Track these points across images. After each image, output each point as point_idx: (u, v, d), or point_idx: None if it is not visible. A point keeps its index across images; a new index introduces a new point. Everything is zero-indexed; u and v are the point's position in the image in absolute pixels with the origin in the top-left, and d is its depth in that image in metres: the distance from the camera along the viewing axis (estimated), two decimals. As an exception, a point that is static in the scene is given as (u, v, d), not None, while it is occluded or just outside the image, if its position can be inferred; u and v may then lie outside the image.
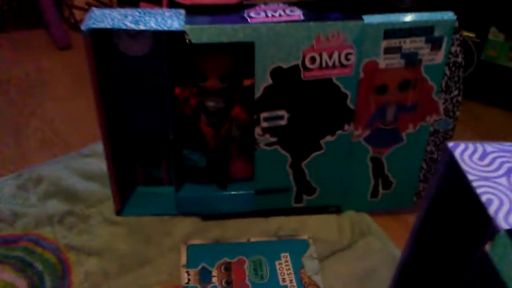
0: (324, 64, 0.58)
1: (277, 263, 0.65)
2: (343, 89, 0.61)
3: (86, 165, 0.77)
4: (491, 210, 0.34)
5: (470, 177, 0.37)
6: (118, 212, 0.70)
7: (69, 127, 0.88)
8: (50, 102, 0.94)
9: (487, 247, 0.33)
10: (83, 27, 0.55)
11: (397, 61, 0.60)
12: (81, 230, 0.67)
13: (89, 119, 0.85)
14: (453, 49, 0.60)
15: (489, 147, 0.40)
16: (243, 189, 0.70)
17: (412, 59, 0.60)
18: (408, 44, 0.59)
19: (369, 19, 0.57)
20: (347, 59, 0.58)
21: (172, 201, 0.70)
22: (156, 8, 0.61)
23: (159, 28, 0.56)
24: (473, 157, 0.39)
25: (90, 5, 1.12)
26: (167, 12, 0.59)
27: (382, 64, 0.60)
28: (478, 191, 0.35)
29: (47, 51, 1.12)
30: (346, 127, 0.63)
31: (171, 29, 0.55)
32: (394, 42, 0.58)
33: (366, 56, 0.59)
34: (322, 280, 0.63)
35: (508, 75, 0.97)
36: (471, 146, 0.40)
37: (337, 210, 0.72)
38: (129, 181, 0.73)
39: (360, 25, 0.57)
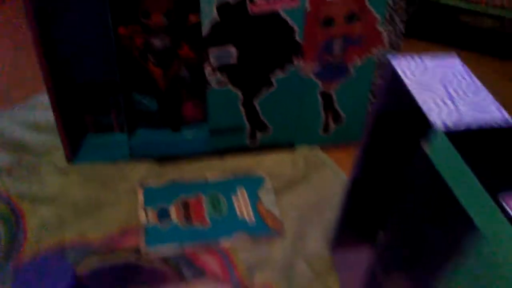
0: (271, -4, 0.58)
1: (234, 198, 0.66)
2: (290, 23, 0.61)
3: (32, 116, 0.74)
4: (430, 115, 0.36)
5: (411, 88, 0.39)
6: (70, 159, 0.68)
7: (10, 78, 0.84)
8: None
9: (426, 148, 0.35)
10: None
11: (342, -8, 0.60)
12: (32, 181, 0.66)
13: (31, 71, 0.81)
14: (395, -22, 0.61)
15: (427, 59, 0.42)
16: (196, 129, 0.70)
17: (356, -10, 0.61)
18: (352, -26, 0.59)
19: None
20: (293, -10, 0.58)
21: (125, 146, 0.69)
22: None
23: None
24: (411, 67, 0.41)
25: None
26: None
27: (328, -5, 0.60)
28: (418, 99, 0.37)
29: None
30: (295, 61, 0.64)
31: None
32: (338, -28, 0.59)
33: (312, -13, 0.59)
34: (278, 211, 0.65)
35: (450, 13, 1.01)
36: (409, 58, 0.42)
37: (291, 146, 0.74)
38: (79, 130, 0.72)
39: (304, -46, 0.56)
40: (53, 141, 0.70)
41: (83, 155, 0.70)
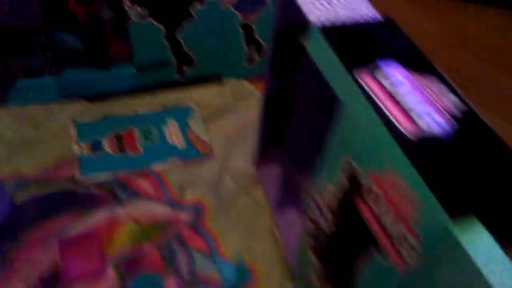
0: None
1: (164, 128, 0.70)
2: (203, -47, 0.64)
3: (-44, 64, 0.74)
4: (309, 16, 0.41)
5: (296, -4, 0.43)
6: (0, 104, 0.70)
7: None
8: None
9: (305, 44, 0.41)
10: None
11: None
12: (-38, 124, 0.67)
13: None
14: None
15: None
16: (124, 67, 0.73)
17: None
18: None
19: None
20: None
21: (54, 87, 0.71)
22: None
23: None
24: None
25: None
26: None
27: None
28: (301, 5, 0.42)
29: None
30: (211, -8, 0.68)
31: None
32: None
33: None
34: (207, 137, 0.70)
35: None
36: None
37: (218, 79, 0.79)
38: (8, 76, 0.72)
39: None
40: (-19, 87, 0.70)
41: (13, 99, 0.71)
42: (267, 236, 0.60)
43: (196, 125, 0.71)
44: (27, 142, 0.66)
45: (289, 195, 0.62)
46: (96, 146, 0.66)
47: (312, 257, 0.46)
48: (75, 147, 0.66)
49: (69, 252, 0.53)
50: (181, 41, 0.71)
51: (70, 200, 0.60)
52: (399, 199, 0.30)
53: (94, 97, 0.73)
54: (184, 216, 0.60)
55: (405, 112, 0.32)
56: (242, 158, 0.68)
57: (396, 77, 0.35)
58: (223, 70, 0.77)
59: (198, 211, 0.61)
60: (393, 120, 0.32)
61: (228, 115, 0.74)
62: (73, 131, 0.68)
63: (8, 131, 0.67)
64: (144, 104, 0.74)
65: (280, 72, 0.56)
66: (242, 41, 0.75)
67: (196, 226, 0.60)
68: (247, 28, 0.74)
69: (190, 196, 0.63)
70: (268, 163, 0.66)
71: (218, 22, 0.71)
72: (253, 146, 0.66)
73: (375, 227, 0.33)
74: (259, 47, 0.77)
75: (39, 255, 0.54)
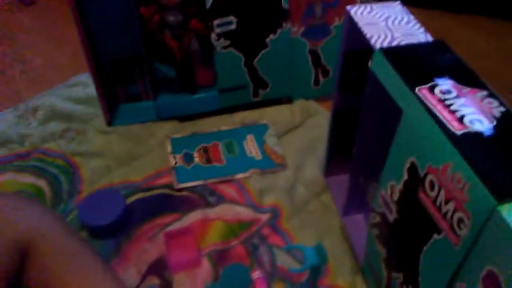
0: (258, -28, 0.72)
1: (244, 142, 0.81)
2: (277, -8, 0.75)
3: (73, 92, 0.90)
4: (372, 40, 0.50)
5: (359, 24, 0.52)
6: (109, 123, 0.84)
7: (49, 66, 1.00)
8: (27, 49, 1.06)
9: (370, 64, 0.49)
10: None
11: (317, -37, 0.74)
12: (81, 141, 0.81)
13: (64, 58, 0.98)
14: None
15: (376, 5, 0.55)
16: (209, 91, 0.85)
17: (328, -40, 0.74)
18: None
19: None
20: (276, -35, 0.72)
21: (152, 110, 0.84)
22: None
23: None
24: (363, 12, 0.54)
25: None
26: None
27: (305, -33, 0.74)
28: (364, 31, 0.51)
29: (14, 7, 1.21)
30: (284, 25, 0.78)
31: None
32: None
33: (291, -38, 0.73)
34: (281, 150, 0.80)
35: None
36: (362, 6, 0.55)
37: (289, 100, 0.88)
38: (112, 100, 0.87)
39: None
40: (93, 111, 0.85)
41: (119, 120, 0.85)
42: (337, 235, 0.67)
43: (271, 140, 0.81)
44: (132, 154, 0.79)
45: (356, 200, 0.69)
46: (187, 158, 0.78)
47: (380, 247, 0.53)
48: (171, 159, 0.78)
49: (172, 244, 0.64)
50: (257, 67, 0.82)
51: (169, 202, 0.71)
52: (454, 186, 0.37)
53: (185, 117, 0.85)
54: (263, 217, 0.69)
55: (454, 114, 0.40)
56: (312, 168, 0.77)
57: (449, 89, 0.42)
58: (293, 92, 0.87)
59: (275, 212, 0.70)
60: (445, 121, 0.39)
61: (299, 131, 0.84)
62: (168, 145, 0.80)
63: (116, 146, 0.81)
64: (226, 122, 0.85)
65: (347, 90, 0.64)
66: (310, 65, 0.85)
67: (274, 226, 0.68)
68: (314, 54, 0.84)
69: (268, 200, 0.72)
70: (336, 172, 0.74)
71: (289, 50, 0.81)
72: (322, 157, 0.74)
73: (433, 211, 0.40)
74: (325, 71, 0.86)
75: (147, 246, 0.65)
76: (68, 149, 0.80)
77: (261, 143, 0.81)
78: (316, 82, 0.87)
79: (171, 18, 0.76)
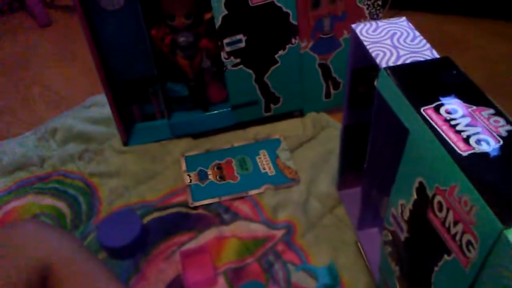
0: (265, -9, 0.73)
1: (257, 158, 0.81)
2: (284, 9, 0.75)
3: (90, 113, 0.92)
4: (377, 59, 0.50)
5: (365, 43, 0.52)
6: (125, 143, 0.86)
7: (66, 88, 1.03)
8: (45, 71, 1.09)
9: (376, 83, 0.49)
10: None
11: (323, -21, 0.74)
12: (99, 161, 0.84)
13: (81, 79, 1.01)
14: (365, -39, 0.74)
15: (381, 22, 0.55)
16: (221, 108, 0.86)
17: (334, -25, 0.74)
18: (329, -36, 0.73)
19: None
20: (282, -17, 0.73)
21: (166, 128, 0.86)
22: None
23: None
24: (369, 30, 0.54)
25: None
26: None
27: (311, -17, 0.74)
28: (370, 50, 0.51)
29: (31, 30, 1.25)
30: (293, 40, 0.79)
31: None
32: (317, -36, 0.73)
33: (298, -21, 0.74)
34: (294, 164, 0.80)
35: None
36: (367, 24, 0.55)
37: (301, 113, 0.89)
38: (128, 120, 0.89)
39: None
40: (110, 131, 0.88)
41: (135, 139, 0.87)
42: (351, 250, 0.67)
43: (283, 154, 0.81)
44: (148, 173, 0.81)
45: (369, 214, 0.69)
46: (202, 176, 0.79)
47: (393, 265, 0.53)
48: (186, 177, 0.79)
49: (188, 264, 0.65)
50: (268, 83, 0.82)
51: (185, 221, 0.72)
52: (461, 208, 0.37)
53: (199, 134, 0.86)
54: (278, 233, 0.70)
55: (460, 135, 0.39)
56: (326, 181, 0.77)
57: (455, 109, 0.42)
58: (304, 105, 0.88)
59: (289, 228, 0.70)
60: (451, 142, 0.39)
61: (311, 144, 0.84)
62: (183, 163, 0.81)
63: (133, 165, 0.83)
64: (239, 138, 0.86)
65: (356, 105, 0.64)
66: (321, 78, 0.85)
67: (289, 242, 0.69)
68: (324, 67, 0.84)
69: (282, 216, 0.72)
70: (349, 186, 0.74)
71: (299, 64, 0.82)
72: (335, 171, 0.74)
73: (443, 232, 0.40)
74: (335, 83, 0.86)
75: (164, 265, 0.67)
76: (86, 170, 0.82)
77: (274, 158, 0.81)
78: (328, 94, 0.88)
79: (181, 39, 0.78)
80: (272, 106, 0.86)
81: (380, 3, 0.79)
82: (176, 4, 0.75)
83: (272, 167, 0.80)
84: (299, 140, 0.84)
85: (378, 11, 0.79)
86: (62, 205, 0.76)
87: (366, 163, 0.61)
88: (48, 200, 0.77)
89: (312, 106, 0.88)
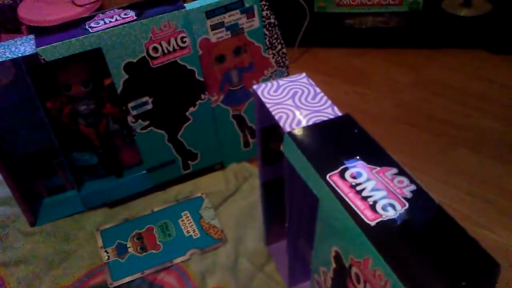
0: (166, 51, 0.70)
1: (180, 221, 0.77)
2: (189, 67, 0.73)
3: (-10, 194, 0.83)
4: (281, 122, 0.49)
5: (268, 105, 0.51)
6: (32, 224, 0.78)
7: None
8: None
9: (281, 147, 0.48)
10: None
11: (224, 33, 0.73)
12: (4, 248, 0.75)
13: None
14: (264, 13, 0.74)
15: (281, 81, 0.55)
16: (136, 172, 0.81)
17: (235, 29, 0.74)
18: (228, 18, 0.72)
19: (190, 6, 0.70)
20: (183, 41, 0.71)
21: (78, 201, 0.79)
22: (9, 40, 0.69)
23: (15, 56, 0.64)
24: (270, 91, 0.53)
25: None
26: (18, 40, 0.67)
27: (213, 39, 0.73)
28: (273, 112, 0.50)
29: None
30: (202, 96, 0.77)
31: (25, 54, 0.64)
32: (216, 19, 0.72)
33: (198, 36, 0.72)
34: (219, 223, 0.77)
35: (339, 19, 1.16)
36: (269, 84, 0.54)
37: (221, 166, 0.86)
38: (34, 196, 0.81)
39: (183, 12, 0.69)
40: (14, 211, 0.79)
41: (43, 217, 0.79)
42: (287, 310, 0.65)
43: (207, 213, 0.78)
44: (61, 255, 0.73)
45: (299, 267, 0.67)
46: (121, 250, 0.73)
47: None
48: (103, 254, 0.73)
49: None
50: (183, 141, 0.79)
51: (104, 305, 0.66)
52: (377, 283, 0.36)
53: (115, 202, 0.81)
54: (208, 304, 0.66)
55: (366, 201, 0.39)
56: (253, 238, 0.74)
57: (359, 172, 0.41)
58: (224, 157, 0.85)
59: (220, 296, 0.66)
60: (358, 211, 0.38)
61: (235, 198, 0.81)
62: (99, 239, 0.75)
63: (43, 248, 0.75)
64: (158, 201, 0.81)
65: (271, 161, 0.63)
66: (237, 129, 0.83)
67: (221, 311, 0.65)
68: (239, 118, 0.82)
69: (212, 284, 0.68)
70: (277, 239, 0.72)
71: (212, 118, 0.80)
72: (262, 225, 0.72)
73: (363, 305, 0.39)
74: (252, 132, 0.85)
75: None
76: (-12, 261, 0.73)
77: (197, 218, 0.77)
78: (246, 143, 0.86)
79: (82, 108, 0.73)
80: (190, 163, 0.83)
81: (285, 51, 0.79)
82: (71, 73, 0.70)
83: (196, 229, 0.76)
84: (222, 195, 0.81)
85: (284, 59, 0.80)
86: (-41, 309, 0.67)
87: (287, 222, 0.59)
88: None
89: (232, 157, 0.86)
